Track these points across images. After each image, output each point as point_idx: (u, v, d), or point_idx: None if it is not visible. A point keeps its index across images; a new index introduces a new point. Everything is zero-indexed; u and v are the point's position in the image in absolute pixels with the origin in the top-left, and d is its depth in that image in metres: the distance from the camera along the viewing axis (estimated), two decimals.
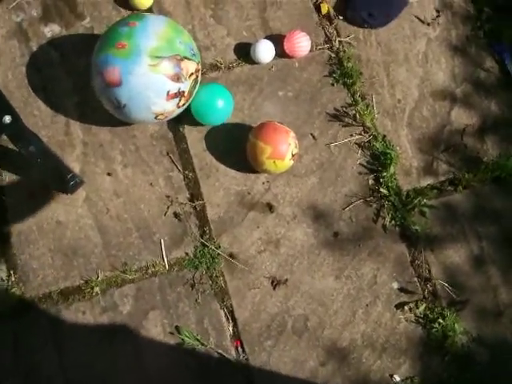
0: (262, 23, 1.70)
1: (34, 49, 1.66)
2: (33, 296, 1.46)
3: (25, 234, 1.50)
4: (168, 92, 1.39)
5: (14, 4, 1.70)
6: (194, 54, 1.43)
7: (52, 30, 1.68)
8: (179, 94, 1.42)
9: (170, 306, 1.46)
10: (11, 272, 1.47)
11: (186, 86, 1.42)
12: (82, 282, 1.47)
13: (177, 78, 1.38)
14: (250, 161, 1.49)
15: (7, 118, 1.28)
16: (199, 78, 1.46)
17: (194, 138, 1.56)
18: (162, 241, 1.50)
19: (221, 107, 1.53)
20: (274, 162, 1.44)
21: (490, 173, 1.61)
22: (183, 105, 1.45)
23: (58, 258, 1.49)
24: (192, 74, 1.42)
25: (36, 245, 1.49)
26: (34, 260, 1.48)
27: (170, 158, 1.55)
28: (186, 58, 1.39)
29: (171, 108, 1.44)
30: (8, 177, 1.54)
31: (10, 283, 1.46)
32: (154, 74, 1.36)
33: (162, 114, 1.44)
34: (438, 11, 1.76)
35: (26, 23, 1.68)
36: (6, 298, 1.45)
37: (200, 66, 1.47)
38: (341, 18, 1.73)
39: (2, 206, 1.52)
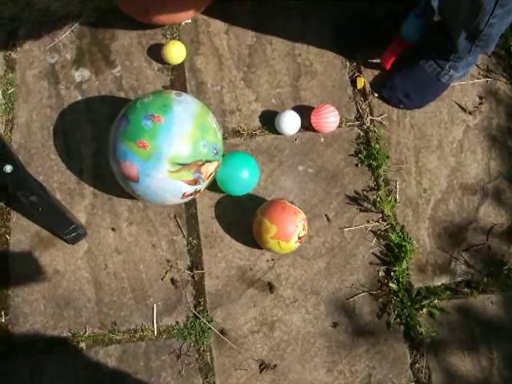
0: (293, 92, 1.73)
1: (62, 92, 1.73)
2: (19, 341, 1.50)
3: (22, 277, 1.55)
4: (184, 193, 1.44)
5: (51, 45, 1.77)
6: (216, 154, 1.45)
7: (82, 74, 1.75)
8: (195, 193, 1.47)
9: (153, 373, 1.48)
10: (2, 313, 1.53)
11: (203, 186, 1.47)
12: (69, 334, 1.51)
13: (194, 182, 1.42)
14: (254, 237, 1.50)
15: (8, 168, 1.34)
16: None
17: (205, 204, 1.59)
18: (155, 306, 1.52)
19: (248, 178, 1.56)
20: (279, 242, 1.45)
21: (511, 279, 1.56)
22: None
23: (50, 306, 1.53)
24: (211, 174, 1.46)
25: (31, 289, 1.54)
26: (27, 304, 1.53)
27: (177, 221, 1.58)
28: (207, 161, 1.42)
29: (185, 201, 1.51)
30: (16, 217, 1.59)
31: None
32: (172, 179, 1.39)
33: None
34: (481, 98, 1.75)
35: (58, 65, 1.76)
36: None
37: (220, 161, 1.50)
38: (376, 95, 1.72)
39: (6, 246, 1.58)
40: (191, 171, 1.39)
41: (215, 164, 1.46)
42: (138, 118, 1.38)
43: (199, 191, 1.47)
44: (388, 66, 1.72)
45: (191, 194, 1.46)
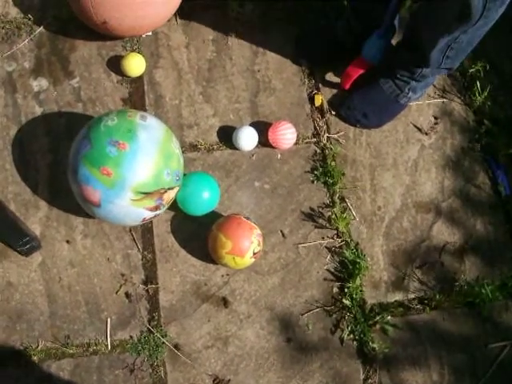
0: (251, 108, 1.76)
1: (19, 101, 1.73)
2: None
3: None
4: (144, 218, 1.46)
5: (9, 53, 1.77)
6: (178, 180, 1.46)
7: (40, 84, 1.75)
8: (154, 217, 1.50)
9: None
10: None
11: (162, 211, 1.50)
12: (21, 348, 1.51)
13: (156, 209, 1.44)
14: (209, 252, 1.52)
15: None
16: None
17: (160, 218, 1.61)
18: (109, 320, 1.53)
19: (208, 200, 1.58)
20: (234, 258, 1.47)
21: (463, 297, 1.61)
22: None
23: (2, 319, 1.53)
24: (172, 198, 1.48)
25: None
26: None
27: (132, 235, 1.59)
28: (170, 188, 1.44)
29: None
30: None
31: None
32: (134, 207, 1.40)
33: None
34: (436, 118, 1.80)
35: (16, 74, 1.76)
36: None
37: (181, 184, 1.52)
38: (333, 112, 1.76)
39: None
40: (153, 199, 1.42)
41: (176, 189, 1.48)
42: (101, 143, 1.37)
43: (158, 215, 1.50)
44: (347, 87, 1.76)
45: (151, 219, 1.49)
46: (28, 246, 1.54)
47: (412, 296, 1.62)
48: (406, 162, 1.74)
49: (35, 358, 1.50)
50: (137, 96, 1.76)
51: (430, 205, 1.71)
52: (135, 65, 1.72)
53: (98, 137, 1.39)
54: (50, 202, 1.63)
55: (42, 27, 1.83)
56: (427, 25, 1.53)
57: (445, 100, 1.84)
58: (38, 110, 1.73)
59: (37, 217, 1.61)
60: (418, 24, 1.57)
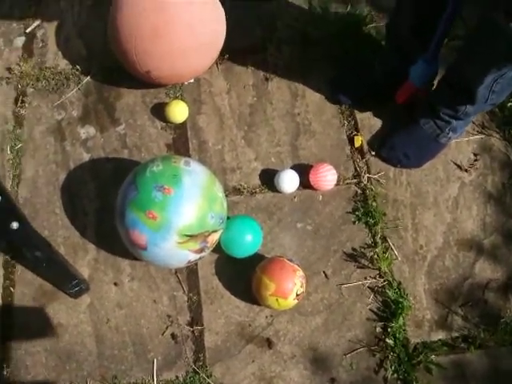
0: (292, 151, 1.78)
1: (68, 148, 1.79)
2: None
3: (25, 330, 1.59)
4: (189, 261, 1.48)
5: (59, 102, 1.84)
6: (222, 222, 1.49)
7: (87, 132, 1.80)
8: (199, 259, 1.52)
9: None
10: (4, 365, 1.55)
11: (207, 253, 1.52)
12: None
13: (200, 251, 1.46)
14: (253, 293, 1.54)
15: (15, 225, 1.39)
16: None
17: (205, 259, 1.63)
18: (155, 360, 1.55)
19: (251, 242, 1.59)
20: (277, 299, 1.48)
21: (508, 335, 1.58)
22: None
23: (52, 359, 1.56)
24: (216, 241, 1.50)
25: (33, 342, 1.57)
26: (29, 357, 1.56)
27: (178, 277, 1.61)
28: (214, 231, 1.46)
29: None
30: (20, 270, 1.64)
31: (1, 376, 1.53)
32: (179, 249, 1.42)
33: None
34: (475, 154, 1.79)
35: (65, 122, 1.82)
36: None
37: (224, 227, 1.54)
38: (373, 153, 1.77)
39: (11, 299, 1.62)
40: (198, 242, 1.44)
41: (220, 232, 1.51)
42: (147, 189, 1.41)
43: (203, 257, 1.52)
44: (401, 101, 1.77)
45: (196, 261, 1.52)
46: (77, 289, 1.57)
47: (456, 334, 1.60)
48: (446, 200, 1.74)
49: None
50: (180, 142, 1.80)
51: (472, 242, 1.69)
52: (178, 111, 1.77)
53: (144, 182, 1.42)
54: (97, 245, 1.66)
55: (88, 77, 1.89)
56: (475, 62, 1.52)
57: (484, 136, 1.83)
58: (86, 157, 1.78)
59: (85, 260, 1.65)
60: (463, 61, 1.57)
